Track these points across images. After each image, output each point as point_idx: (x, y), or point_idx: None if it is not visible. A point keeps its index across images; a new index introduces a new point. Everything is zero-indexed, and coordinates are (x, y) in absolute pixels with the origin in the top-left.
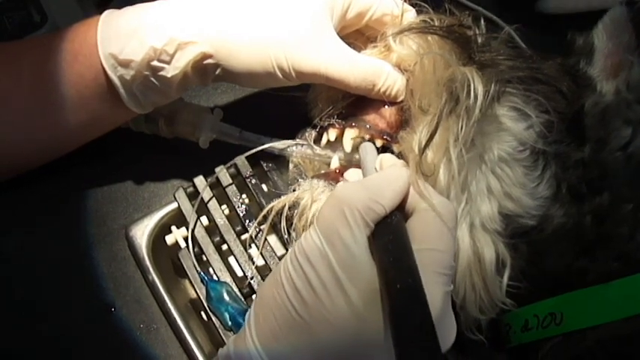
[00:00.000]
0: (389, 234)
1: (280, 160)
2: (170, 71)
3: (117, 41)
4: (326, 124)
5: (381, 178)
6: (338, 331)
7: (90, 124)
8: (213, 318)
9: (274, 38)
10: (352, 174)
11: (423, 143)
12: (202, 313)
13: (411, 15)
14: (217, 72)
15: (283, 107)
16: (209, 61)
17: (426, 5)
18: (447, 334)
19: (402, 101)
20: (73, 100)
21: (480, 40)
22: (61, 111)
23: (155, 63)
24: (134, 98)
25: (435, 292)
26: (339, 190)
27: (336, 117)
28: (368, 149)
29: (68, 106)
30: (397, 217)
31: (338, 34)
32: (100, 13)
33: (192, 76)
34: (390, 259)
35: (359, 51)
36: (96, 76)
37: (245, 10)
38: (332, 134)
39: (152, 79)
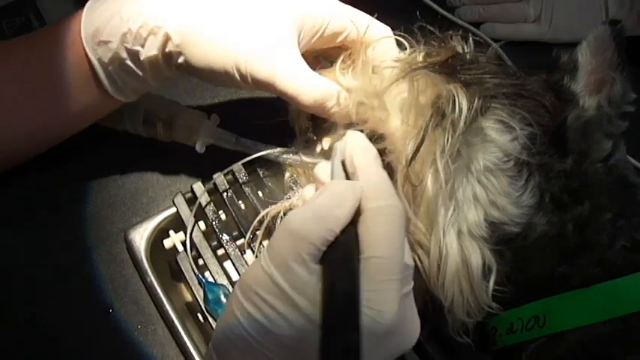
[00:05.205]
0: (339, 252)
1: (276, 167)
2: (143, 54)
3: (97, 24)
4: (314, 137)
5: (332, 202)
6: (301, 341)
7: (78, 111)
8: (210, 319)
9: (237, 42)
10: (322, 169)
11: (410, 156)
12: (199, 314)
13: (386, 30)
14: (180, 61)
15: (280, 114)
16: (173, 48)
17: (411, 39)
18: (407, 338)
19: None
20: (60, 88)
21: (468, 57)
22: (49, 99)
23: (130, 46)
24: (114, 84)
25: (388, 299)
26: (291, 222)
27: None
28: (338, 150)
29: (56, 94)
30: (348, 236)
31: (307, 54)
32: None
33: (161, 61)
34: (332, 282)
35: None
36: (79, 61)
37: (219, 9)
38: (326, 143)
39: (128, 62)
